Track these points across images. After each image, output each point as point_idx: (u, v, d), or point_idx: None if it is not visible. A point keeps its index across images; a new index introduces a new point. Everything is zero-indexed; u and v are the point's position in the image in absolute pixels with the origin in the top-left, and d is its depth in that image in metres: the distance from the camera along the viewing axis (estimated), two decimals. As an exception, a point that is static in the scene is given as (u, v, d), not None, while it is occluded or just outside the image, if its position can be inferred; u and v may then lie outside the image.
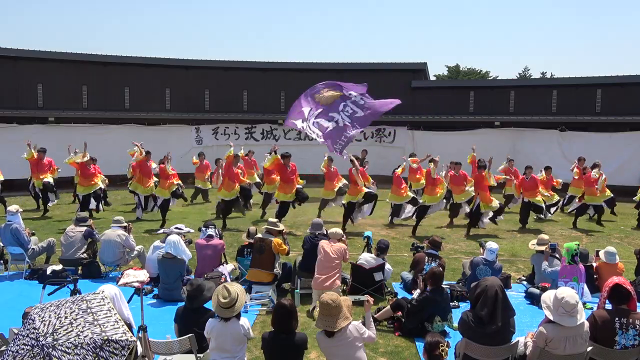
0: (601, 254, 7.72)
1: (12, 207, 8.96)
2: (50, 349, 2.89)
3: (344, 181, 13.00)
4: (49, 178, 13.84)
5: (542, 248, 7.75)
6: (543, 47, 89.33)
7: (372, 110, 11.25)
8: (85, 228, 8.63)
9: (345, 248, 7.25)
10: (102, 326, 3.07)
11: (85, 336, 2.99)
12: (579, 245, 7.13)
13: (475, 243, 10.11)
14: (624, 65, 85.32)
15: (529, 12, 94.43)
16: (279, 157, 12.47)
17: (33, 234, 9.00)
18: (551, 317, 4.42)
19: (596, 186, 12.80)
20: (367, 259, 7.54)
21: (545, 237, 8.01)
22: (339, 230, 7.52)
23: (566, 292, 4.49)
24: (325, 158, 13.24)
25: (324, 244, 7.12)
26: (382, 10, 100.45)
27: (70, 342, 2.93)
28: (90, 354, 2.93)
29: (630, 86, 20.10)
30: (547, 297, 4.57)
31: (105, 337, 3.01)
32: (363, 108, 11.08)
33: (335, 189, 13.00)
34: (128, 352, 3.08)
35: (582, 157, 14.45)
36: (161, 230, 9.40)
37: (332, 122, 11.20)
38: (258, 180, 15.48)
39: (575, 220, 12.92)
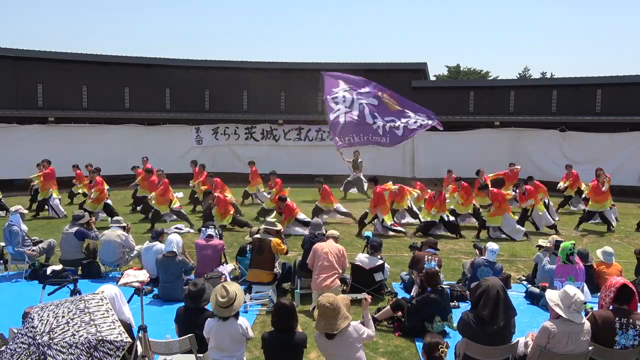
0: (598, 253, 7.74)
1: (13, 207, 8.97)
2: (46, 348, 2.90)
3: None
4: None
5: (546, 244, 7.78)
6: (543, 47, 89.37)
7: (405, 135, 11.42)
8: (77, 228, 8.57)
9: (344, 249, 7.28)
10: (98, 326, 3.07)
11: (81, 336, 2.99)
12: (574, 244, 7.10)
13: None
14: (624, 65, 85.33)
15: (529, 12, 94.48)
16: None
17: (38, 243, 8.95)
18: (562, 314, 4.44)
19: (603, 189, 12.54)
20: (361, 259, 7.56)
21: (558, 238, 8.03)
22: (335, 232, 7.60)
23: (575, 290, 4.57)
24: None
25: (319, 246, 7.12)
26: (382, 10, 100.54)
27: (66, 342, 2.94)
28: (85, 353, 2.93)
29: (630, 86, 20.10)
30: (554, 295, 4.60)
31: (100, 338, 3.02)
32: (401, 130, 11.19)
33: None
34: (122, 353, 3.08)
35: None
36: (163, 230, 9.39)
37: (370, 120, 11.22)
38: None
39: (577, 225, 12.64)
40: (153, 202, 12.39)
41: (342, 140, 11.50)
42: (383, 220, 11.67)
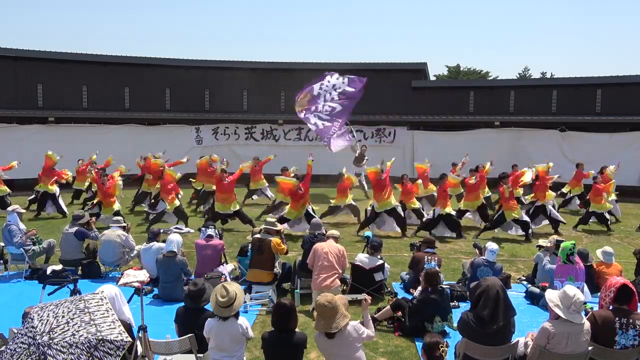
0: (598, 253, 7.75)
1: (10, 207, 9.01)
2: (46, 348, 2.90)
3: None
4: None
5: (546, 244, 7.79)
6: (543, 47, 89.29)
7: (348, 100, 11.45)
8: (77, 228, 8.57)
9: (344, 249, 7.28)
10: (98, 326, 3.07)
11: (81, 336, 2.99)
12: (574, 244, 7.10)
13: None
14: (624, 65, 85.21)
15: (529, 12, 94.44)
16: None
17: (40, 241, 8.94)
18: (562, 315, 4.44)
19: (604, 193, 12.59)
20: (361, 259, 7.56)
21: (558, 237, 8.06)
22: (336, 232, 7.60)
23: (575, 290, 4.56)
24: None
25: (319, 246, 7.13)
26: (382, 10, 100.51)
27: (66, 342, 2.94)
28: (85, 353, 2.93)
29: (630, 86, 20.10)
30: (554, 296, 4.59)
31: (100, 337, 3.02)
32: (339, 102, 11.27)
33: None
34: (123, 352, 3.08)
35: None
36: (162, 230, 9.39)
37: (312, 125, 11.55)
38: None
39: (576, 225, 12.69)
40: (167, 202, 12.40)
41: (328, 142, 11.72)
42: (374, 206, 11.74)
